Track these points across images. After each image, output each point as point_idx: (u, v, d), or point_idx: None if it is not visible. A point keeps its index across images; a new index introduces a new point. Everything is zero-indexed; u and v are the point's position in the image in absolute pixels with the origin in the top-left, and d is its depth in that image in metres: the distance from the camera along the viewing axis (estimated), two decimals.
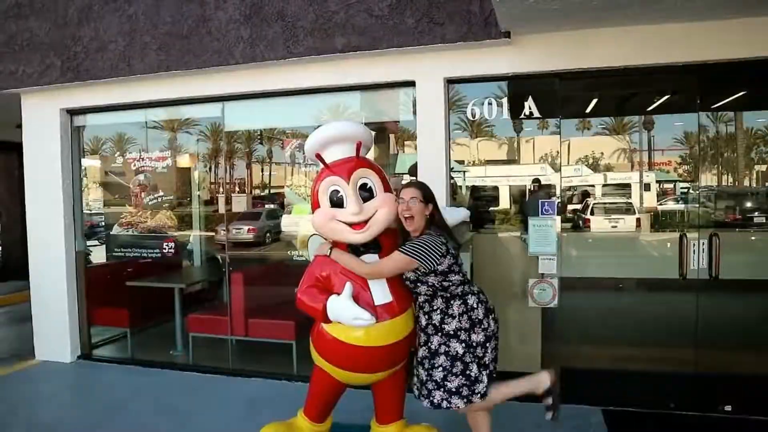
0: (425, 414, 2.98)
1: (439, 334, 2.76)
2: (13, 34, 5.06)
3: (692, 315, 3.95)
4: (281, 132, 6.10)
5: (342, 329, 2.70)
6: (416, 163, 4.23)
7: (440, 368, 2.73)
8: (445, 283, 2.72)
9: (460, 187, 5.90)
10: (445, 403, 2.72)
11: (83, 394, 4.61)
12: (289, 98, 4.66)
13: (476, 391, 2.71)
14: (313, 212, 2.86)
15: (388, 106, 4.61)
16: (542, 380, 2.86)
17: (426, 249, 2.63)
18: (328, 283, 2.78)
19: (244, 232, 7.30)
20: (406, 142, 5.40)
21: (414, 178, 4.26)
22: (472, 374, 2.71)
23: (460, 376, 2.71)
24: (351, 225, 2.73)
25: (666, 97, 4.41)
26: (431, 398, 2.75)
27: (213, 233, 6.19)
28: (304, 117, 4.88)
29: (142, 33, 4.66)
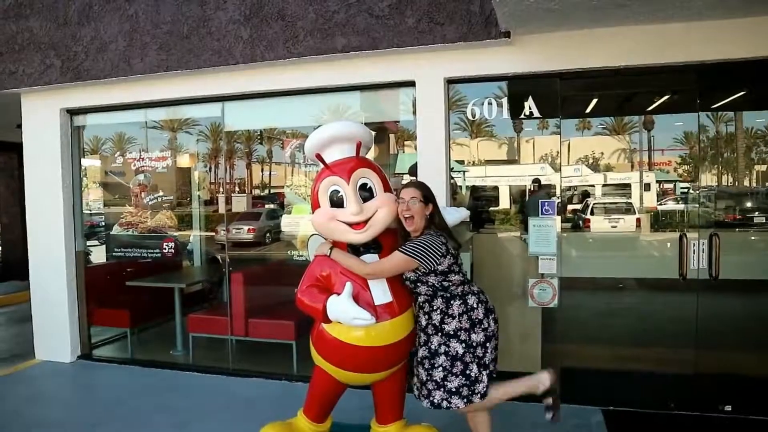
0: (425, 414, 2.99)
1: (439, 334, 2.76)
2: (14, 34, 5.06)
3: (692, 315, 3.95)
4: (281, 132, 6.10)
5: (342, 329, 2.70)
6: (416, 163, 4.23)
7: (440, 368, 2.73)
8: (445, 283, 2.72)
9: (460, 187, 5.90)
10: (445, 403, 2.73)
11: (83, 394, 4.61)
12: (289, 98, 4.66)
13: (476, 391, 2.71)
14: (313, 212, 2.87)
15: (388, 106, 4.61)
16: (542, 380, 2.85)
17: (426, 249, 2.63)
18: (328, 283, 2.78)
19: (244, 232, 7.31)
20: (406, 142, 5.40)
21: (414, 178, 4.26)
22: (472, 374, 2.71)
23: (460, 376, 2.71)
24: (351, 225, 2.73)
25: (666, 97, 4.41)
26: (431, 398, 2.76)
27: (213, 233, 6.20)
28: (304, 117, 4.88)
29: (142, 33, 4.66)
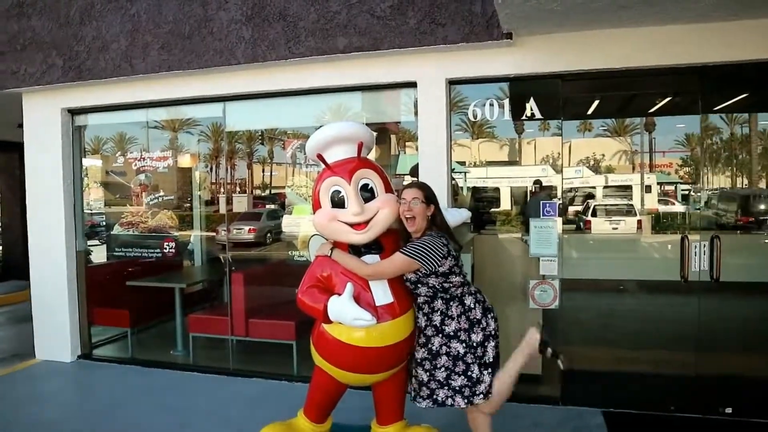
0: (425, 415, 2.98)
1: (440, 335, 2.76)
2: (15, 33, 5.06)
3: (693, 317, 3.95)
4: (282, 132, 6.11)
5: (343, 330, 2.69)
6: (417, 164, 4.23)
7: (443, 368, 2.73)
8: (446, 285, 2.72)
9: (462, 188, 5.90)
10: (449, 401, 2.73)
11: (83, 394, 4.61)
12: (291, 99, 4.66)
13: (477, 392, 2.71)
14: (314, 213, 2.86)
15: (390, 107, 4.61)
16: (533, 338, 2.85)
17: (427, 250, 2.63)
18: (329, 284, 2.78)
19: (245, 232, 7.31)
20: (407, 143, 5.40)
21: (415, 178, 4.26)
22: (474, 375, 2.71)
23: (462, 376, 2.71)
24: (352, 225, 2.73)
25: (668, 98, 4.41)
26: (434, 397, 2.75)
27: (214, 233, 6.20)
28: (305, 117, 4.88)
29: (144, 33, 4.66)
